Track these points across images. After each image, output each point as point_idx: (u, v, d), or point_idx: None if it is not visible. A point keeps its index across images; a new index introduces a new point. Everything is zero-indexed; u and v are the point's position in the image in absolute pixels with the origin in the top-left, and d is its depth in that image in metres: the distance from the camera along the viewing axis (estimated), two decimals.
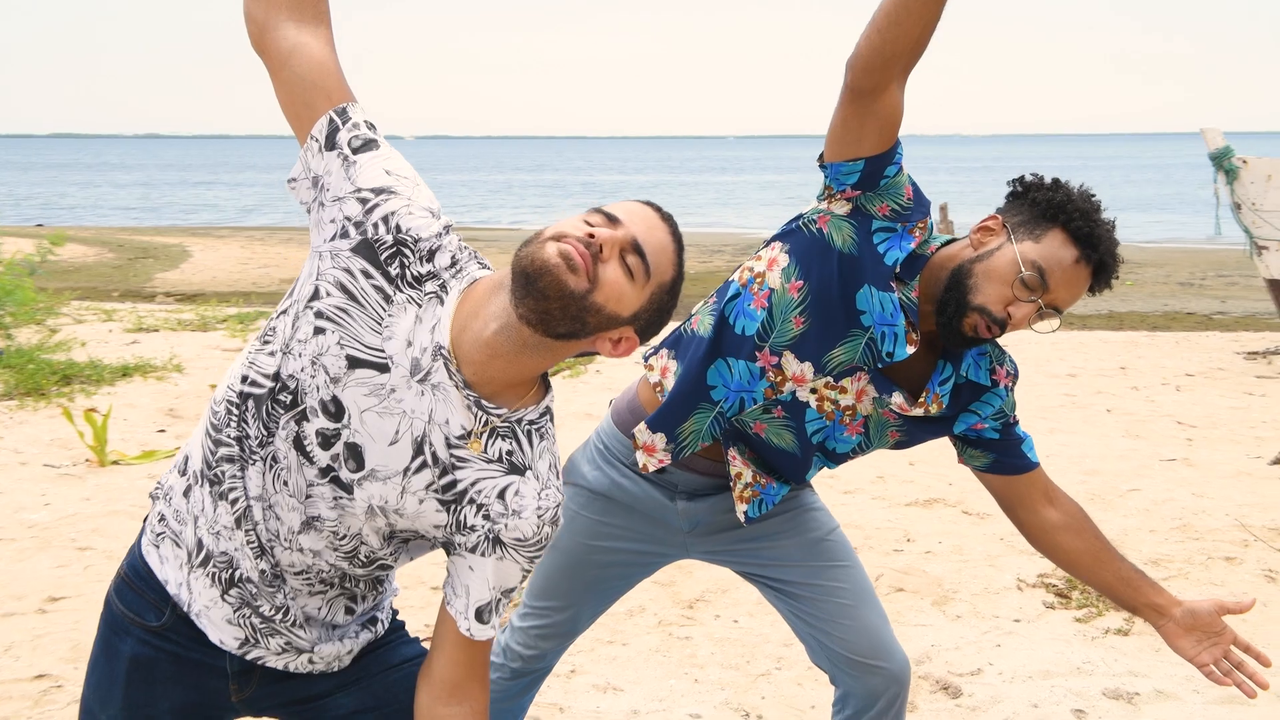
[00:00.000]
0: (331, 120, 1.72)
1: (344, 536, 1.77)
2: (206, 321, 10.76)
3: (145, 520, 1.90)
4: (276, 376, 1.70)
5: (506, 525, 1.73)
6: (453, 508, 1.73)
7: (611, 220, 1.66)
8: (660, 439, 2.38)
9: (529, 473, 1.75)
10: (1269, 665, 2.35)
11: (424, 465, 1.70)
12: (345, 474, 1.71)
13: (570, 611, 2.56)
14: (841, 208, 2.25)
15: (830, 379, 2.31)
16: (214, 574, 1.78)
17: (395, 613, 2.02)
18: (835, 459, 2.45)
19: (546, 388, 1.80)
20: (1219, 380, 8.45)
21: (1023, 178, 2.29)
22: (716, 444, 2.41)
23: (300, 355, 1.69)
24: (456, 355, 1.68)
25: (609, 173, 73.76)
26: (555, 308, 1.61)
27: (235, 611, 1.79)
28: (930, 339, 2.33)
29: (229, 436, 1.74)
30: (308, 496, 1.74)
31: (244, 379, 1.73)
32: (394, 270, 1.68)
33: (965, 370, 2.34)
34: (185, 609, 1.80)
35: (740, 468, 2.40)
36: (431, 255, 1.70)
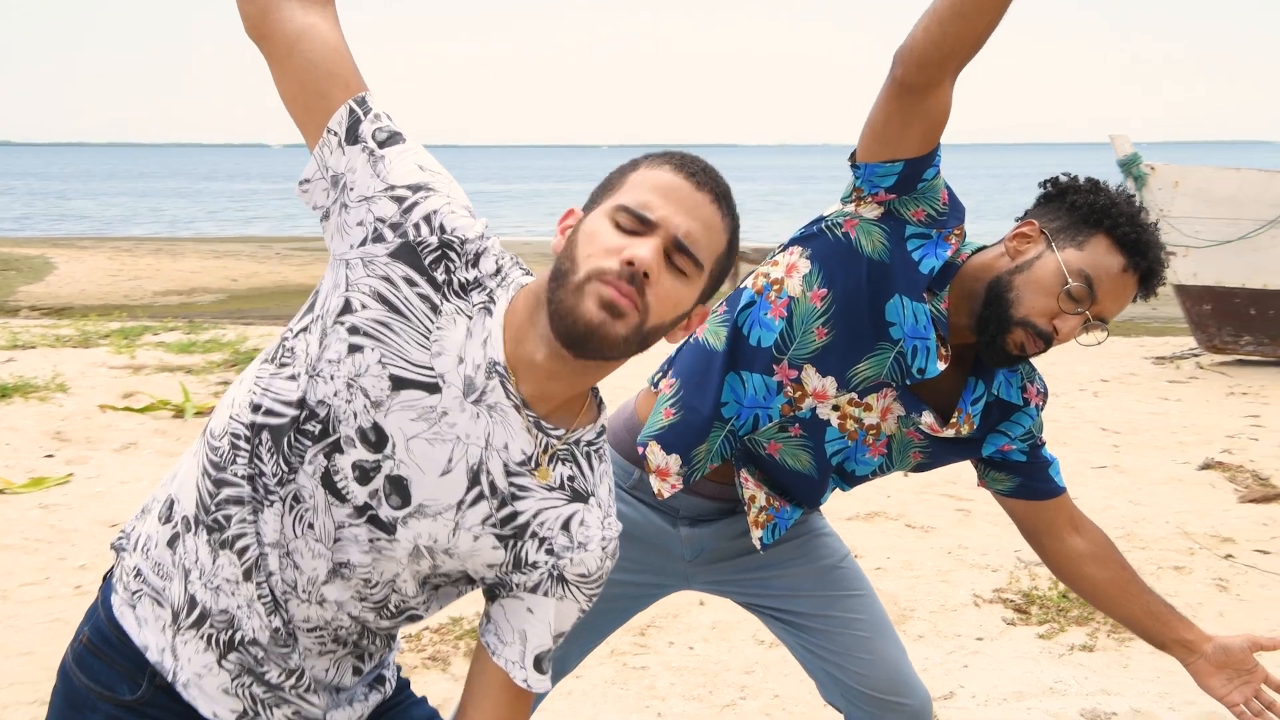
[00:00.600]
0: (352, 111, 1.50)
1: (376, 584, 1.54)
2: (88, 337, 10.20)
3: (109, 576, 1.63)
4: (302, 404, 1.47)
5: (571, 560, 1.54)
6: (511, 543, 1.52)
7: (646, 224, 1.44)
8: (675, 461, 2.16)
9: (592, 500, 1.56)
10: None
11: (481, 497, 1.50)
12: (387, 511, 1.49)
13: (559, 652, 2.32)
14: (872, 211, 2.05)
15: (855, 395, 2.12)
16: (210, 636, 1.52)
17: (399, 669, 1.77)
18: (852, 481, 2.26)
19: (599, 402, 1.60)
20: (1133, 386, 8.50)
21: (1056, 179, 2.11)
22: (725, 465, 2.20)
23: (332, 378, 1.46)
24: (514, 372, 1.47)
25: (484, 181, 72.96)
26: (612, 354, 1.44)
27: (234, 680, 1.53)
28: (960, 354, 2.15)
29: (236, 475, 1.49)
30: (336, 540, 1.51)
31: (256, 408, 1.49)
32: (440, 276, 1.47)
33: (997, 388, 2.16)
34: (169, 678, 1.53)
35: (754, 490, 2.20)
36: (477, 259, 1.50)
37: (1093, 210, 2.02)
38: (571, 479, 1.54)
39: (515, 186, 65.92)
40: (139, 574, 1.57)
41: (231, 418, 1.52)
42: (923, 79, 1.88)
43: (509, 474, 1.50)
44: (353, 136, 1.49)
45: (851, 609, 2.29)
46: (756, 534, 2.22)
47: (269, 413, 1.48)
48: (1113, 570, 2.27)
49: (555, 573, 1.55)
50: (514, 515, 1.51)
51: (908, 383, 2.11)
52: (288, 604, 1.53)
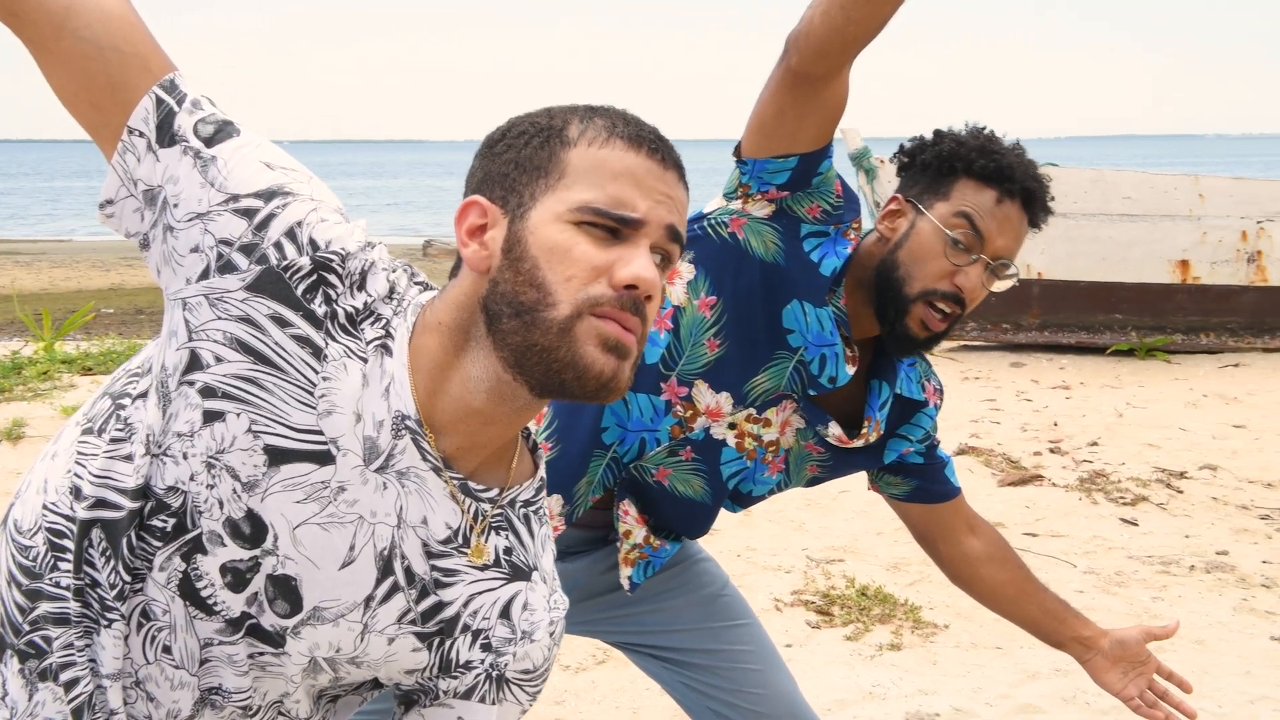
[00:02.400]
0: (160, 102, 1.12)
1: (257, 709, 1.18)
2: None
3: None
4: (144, 493, 1.10)
5: (514, 655, 1.23)
6: (437, 641, 1.19)
7: (633, 225, 1.13)
8: (556, 501, 1.86)
9: (535, 574, 1.25)
10: (1190, 691, 2.14)
11: (395, 589, 1.17)
12: (271, 619, 1.13)
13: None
14: (762, 209, 1.82)
15: (753, 411, 1.88)
16: None
17: None
18: (746, 503, 2.02)
19: (534, 447, 1.28)
20: None
21: (903, 147, 1.94)
22: (605, 494, 1.92)
23: (185, 457, 1.10)
24: (429, 425, 1.14)
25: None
26: (612, 400, 1.14)
27: None
28: (860, 358, 1.93)
29: (58, 586, 1.12)
30: (204, 663, 1.14)
31: (78, 494, 1.11)
32: (319, 308, 1.11)
33: (899, 386, 1.97)
34: None
35: (631, 525, 1.94)
36: (364, 279, 1.14)
37: (942, 159, 1.85)
38: (509, 552, 1.23)
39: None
40: None
41: (46, 508, 1.14)
42: (821, 68, 1.65)
43: (430, 555, 1.17)
44: (167, 135, 1.12)
45: (739, 640, 2.06)
46: (625, 573, 1.96)
47: (100, 504, 1.11)
48: (1009, 571, 2.14)
49: (494, 673, 1.23)
50: (439, 606, 1.19)
51: (810, 393, 1.88)
52: None
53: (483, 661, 1.23)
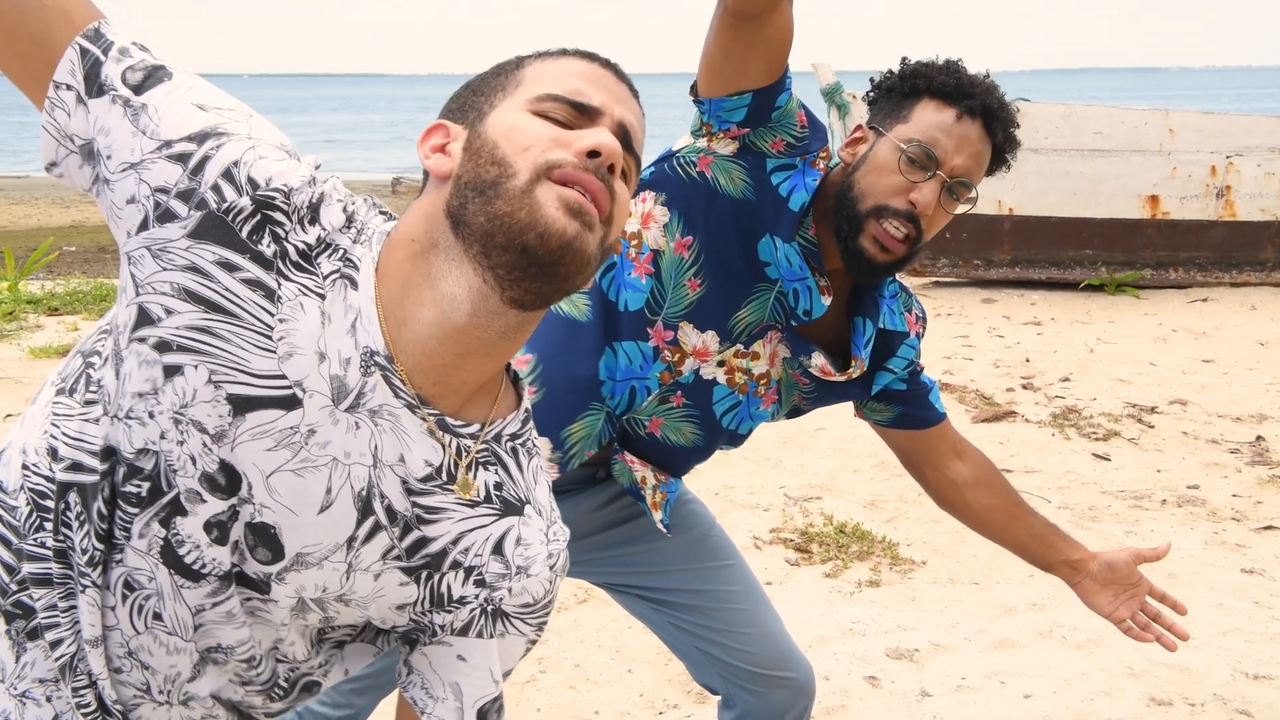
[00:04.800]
0: (85, 52, 1.08)
1: (259, 660, 1.16)
2: None
3: None
4: (112, 455, 1.08)
5: (510, 590, 1.20)
6: (424, 576, 1.16)
7: (585, 112, 1.13)
8: (546, 445, 1.85)
9: (529, 508, 1.22)
10: (1185, 613, 2.16)
11: (378, 527, 1.14)
12: (255, 568, 1.11)
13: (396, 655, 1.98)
14: (727, 147, 1.81)
15: (740, 347, 1.87)
16: None
17: None
18: (738, 441, 2.01)
19: (516, 381, 1.25)
20: None
21: (872, 80, 1.93)
22: (600, 449, 1.93)
23: (152, 415, 1.07)
24: (400, 360, 1.10)
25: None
26: (576, 281, 1.10)
27: None
28: (837, 291, 1.93)
29: (40, 546, 1.10)
30: (198, 628, 1.12)
31: (55, 455, 1.09)
32: (267, 248, 1.08)
33: (882, 320, 1.96)
34: None
35: (641, 471, 1.94)
36: (315, 212, 1.10)
37: (904, 80, 1.86)
38: (499, 487, 1.20)
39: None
40: None
41: (26, 468, 1.12)
42: (757, 5, 1.62)
43: (410, 493, 1.15)
44: (94, 85, 1.08)
45: (727, 580, 2.07)
46: (657, 516, 1.97)
47: (73, 466, 1.09)
48: (998, 495, 2.14)
49: (490, 607, 1.21)
50: (423, 542, 1.17)
51: (793, 324, 1.88)
52: (135, 712, 1.15)
53: (477, 597, 1.21)
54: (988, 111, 1.81)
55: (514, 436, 1.23)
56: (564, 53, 1.19)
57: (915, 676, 3.28)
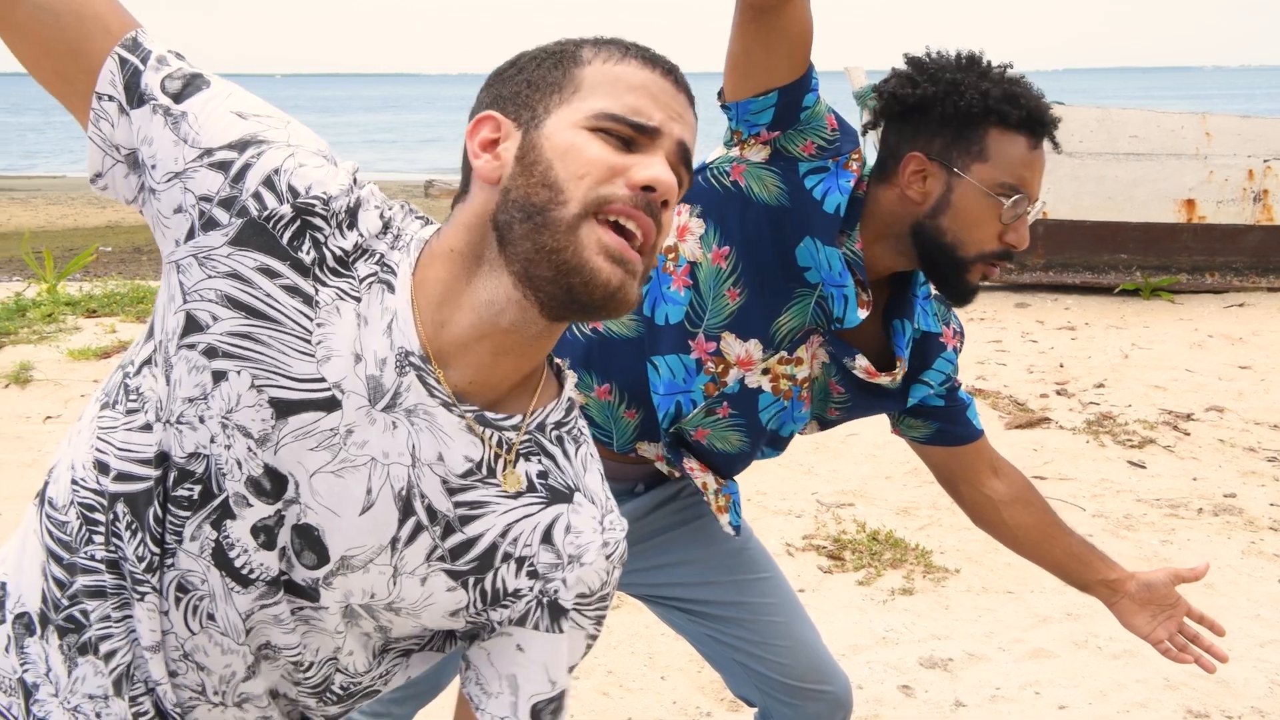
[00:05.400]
0: (124, 62, 1.10)
1: (310, 665, 1.17)
2: None
3: None
4: (164, 461, 1.09)
5: (565, 581, 1.20)
6: (473, 579, 1.17)
7: (645, 134, 1.12)
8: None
9: (578, 495, 1.22)
10: (1223, 634, 2.14)
11: (419, 528, 1.15)
12: (303, 574, 1.13)
13: (440, 664, 2.00)
14: (758, 154, 1.81)
15: (784, 353, 1.88)
16: None
17: None
18: (782, 446, 2.02)
19: (558, 370, 1.26)
20: None
21: (893, 93, 1.85)
22: (635, 449, 1.96)
23: (202, 420, 1.09)
24: (437, 360, 1.12)
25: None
26: (618, 315, 1.13)
27: None
28: (875, 300, 1.93)
29: (90, 559, 1.11)
30: (249, 630, 1.14)
31: (102, 468, 1.10)
32: (307, 255, 1.09)
33: (918, 321, 1.97)
34: None
35: (702, 476, 1.96)
36: (353, 218, 1.12)
37: (963, 111, 1.79)
38: (544, 475, 1.21)
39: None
40: None
41: (75, 483, 1.14)
42: None
43: (451, 491, 1.15)
44: (135, 96, 1.10)
45: (763, 593, 2.07)
46: (724, 519, 1.99)
47: (122, 476, 1.11)
48: (1035, 514, 2.13)
49: (545, 599, 1.21)
50: (467, 544, 1.17)
51: (834, 327, 1.89)
52: (191, 714, 1.17)
53: (531, 589, 1.21)
54: (1039, 123, 1.81)
55: (559, 425, 1.23)
56: (625, 53, 1.16)
57: (949, 686, 3.28)
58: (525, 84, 1.15)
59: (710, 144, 1.97)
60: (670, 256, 1.86)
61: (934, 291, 2.00)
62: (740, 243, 1.83)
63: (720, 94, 1.80)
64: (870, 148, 1.91)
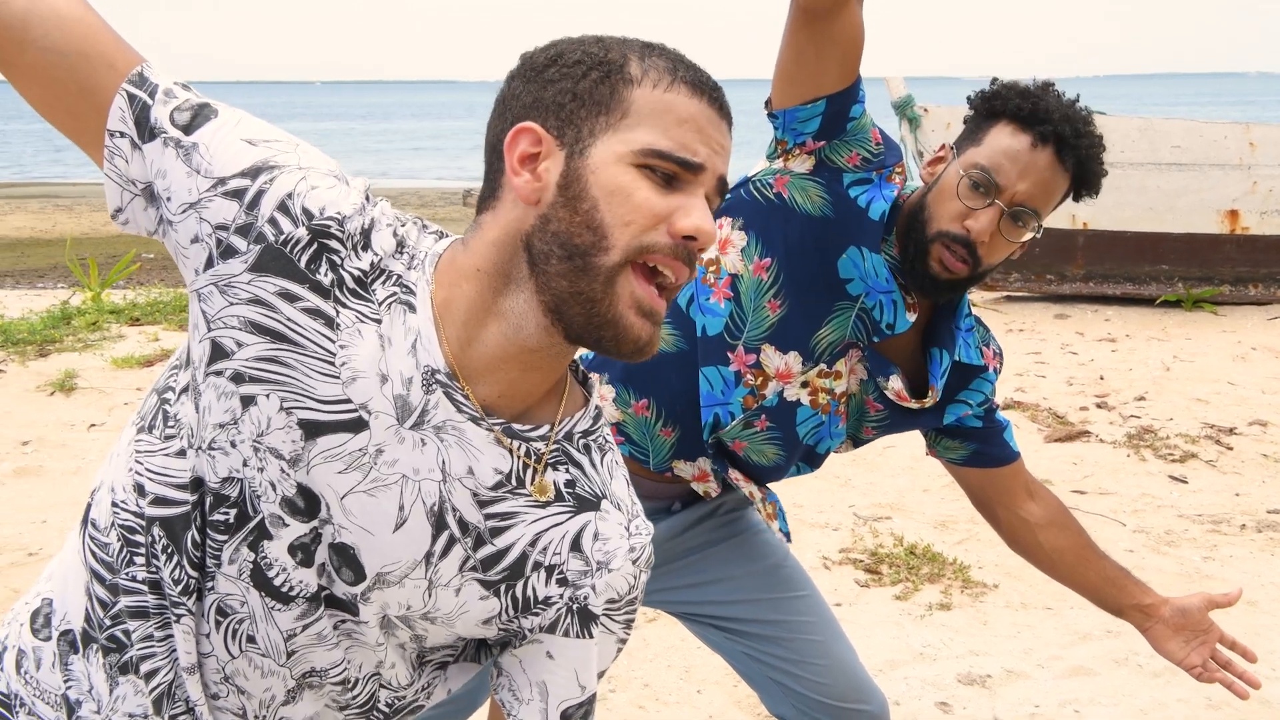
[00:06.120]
0: (133, 98, 1.12)
1: (355, 682, 1.18)
2: None
3: None
4: (199, 486, 1.11)
5: (594, 587, 1.21)
6: (503, 587, 1.19)
7: (695, 170, 1.11)
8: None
9: (605, 503, 1.23)
10: (1255, 660, 2.13)
11: (453, 541, 1.16)
12: (342, 589, 1.15)
13: (477, 680, 2.02)
14: (802, 165, 1.82)
15: (824, 366, 1.89)
16: None
17: None
18: (817, 462, 2.03)
19: (583, 379, 1.27)
20: None
21: (969, 99, 1.93)
22: (672, 469, 1.97)
23: (234, 445, 1.10)
24: (464, 376, 1.13)
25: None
26: (640, 360, 1.16)
27: None
28: (920, 311, 1.94)
29: (132, 580, 1.13)
30: (290, 654, 1.15)
31: (142, 491, 1.12)
32: (325, 277, 1.11)
33: (958, 353, 1.96)
34: None
35: (747, 486, 1.98)
36: (367, 238, 1.13)
37: (986, 103, 1.85)
38: (571, 484, 1.22)
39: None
40: (6, 700, 1.20)
41: (116, 505, 1.16)
42: (827, 1, 1.64)
43: (482, 504, 1.17)
44: (146, 130, 1.12)
45: (801, 611, 2.08)
46: (775, 526, 2.02)
47: (159, 501, 1.13)
48: (1070, 537, 2.13)
49: (575, 606, 1.22)
50: (499, 555, 1.18)
51: (875, 340, 1.90)
52: None
53: (561, 596, 1.22)
54: (1061, 139, 1.79)
55: (585, 434, 1.24)
56: (675, 76, 1.13)
57: (988, 703, 3.26)
58: (569, 95, 1.12)
59: (749, 154, 1.98)
60: (711, 269, 1.87)
61: (977, 323, 2.01)
62: (783, 254, 1.84)
63: (767, 103, 1.82)
64: (911, 160, 1.93)
